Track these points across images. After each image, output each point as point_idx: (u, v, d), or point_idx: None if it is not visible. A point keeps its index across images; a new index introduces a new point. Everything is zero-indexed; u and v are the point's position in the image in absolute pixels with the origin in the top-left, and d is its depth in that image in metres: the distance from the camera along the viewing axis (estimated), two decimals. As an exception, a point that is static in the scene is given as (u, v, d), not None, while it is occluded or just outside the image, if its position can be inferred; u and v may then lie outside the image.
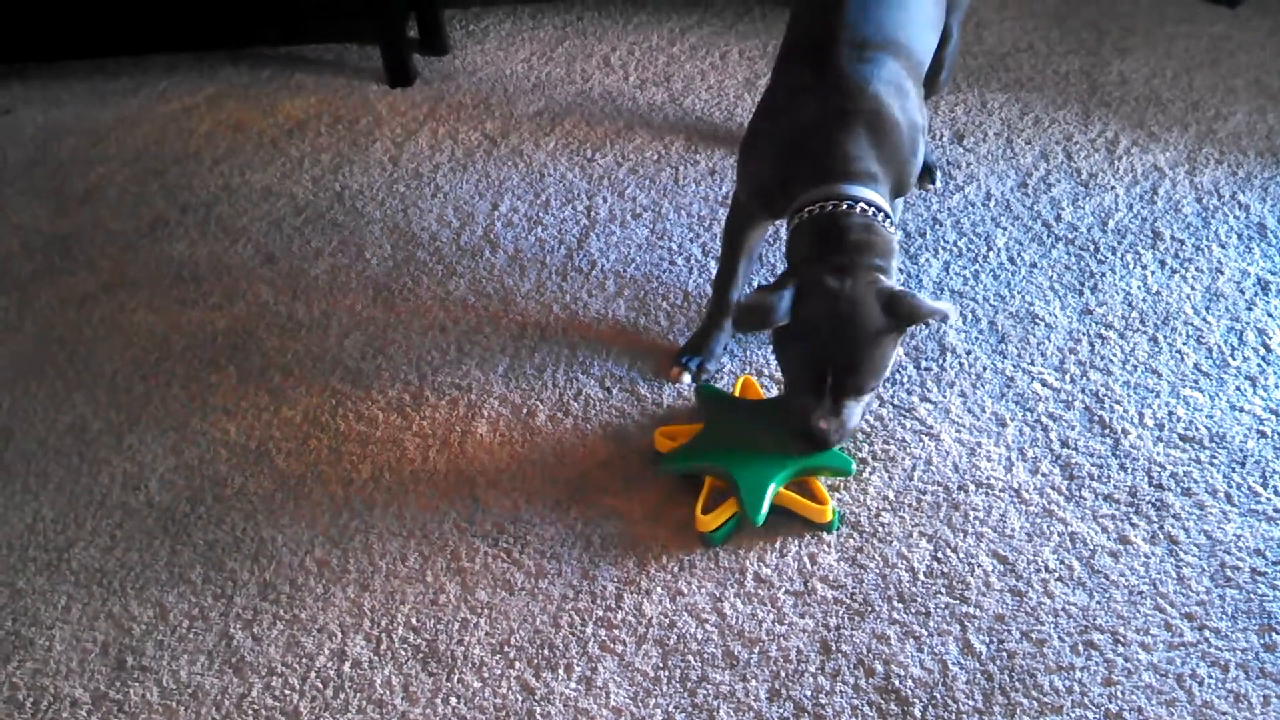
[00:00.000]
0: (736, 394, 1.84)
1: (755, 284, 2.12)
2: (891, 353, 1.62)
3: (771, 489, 1.66)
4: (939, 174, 2.31)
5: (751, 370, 1.95)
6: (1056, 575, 1.62)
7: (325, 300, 2.17)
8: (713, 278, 1.99)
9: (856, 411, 1.66)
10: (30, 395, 2.04)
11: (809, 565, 1.66)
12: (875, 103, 1.66)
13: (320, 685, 1.57)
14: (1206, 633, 1.54)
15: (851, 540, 1.68)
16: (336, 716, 1.53)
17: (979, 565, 1.64)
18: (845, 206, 1.62)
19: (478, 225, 2.32)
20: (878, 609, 1.60)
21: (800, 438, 1.67)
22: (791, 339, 1.62)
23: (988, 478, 1.75)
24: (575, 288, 2.15)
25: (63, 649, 1.64)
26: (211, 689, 1.58)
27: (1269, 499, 1.69)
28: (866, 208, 1.62)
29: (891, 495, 1.74)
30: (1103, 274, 2.07)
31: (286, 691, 1.56)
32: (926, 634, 1.56)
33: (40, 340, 2.15)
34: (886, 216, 1.65)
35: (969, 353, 1.94)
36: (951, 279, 2.08)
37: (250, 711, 1.55)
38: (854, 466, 1.72)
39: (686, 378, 1.94)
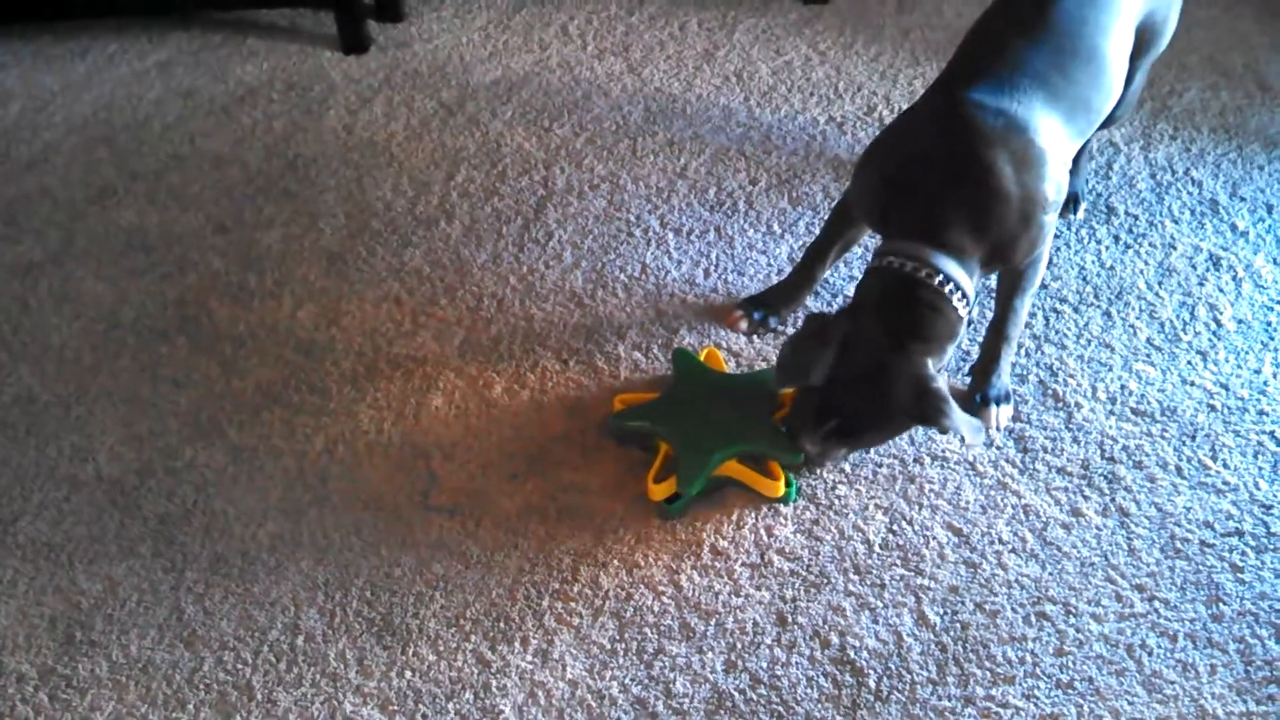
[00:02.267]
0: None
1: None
2: (900, 430, 1.61)
3: (711, 462, 1.66)
4: (1083, 205, 2.16)
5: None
6: (1010, 547, 1.63)
7: (278, 270, 2.14)
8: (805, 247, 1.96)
9: (842, 452, 1.68)
10: (-26, 366, 2.00)
11: (765, 538, 1.66)
12: (988, 171, 1.54)
13: (273, 659, 1.55)
14: (1156, 603, 1.56)
15: (808, 513, 1.69)
16: (290, 690, 1.52)
17: (934, 537, 1.65)
18: (923, 275, 1.54)
19: (433, 195, 2.30)
20: (833, 581, 1.60)
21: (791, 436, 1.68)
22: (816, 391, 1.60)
23: (943, 450, 1.76)
24: (532, 259, 2.13)
25: (9, 623, 1.62)
26: (162, 663, 1.56)
27: (1218, 472, 1.71)
28: (945, 281, 1.55)
29: (848, 468, 1.74)
30: (1058, 249, 2.08)
31: (239, 665, 1.55)
32: (882, 605, 1.57)
33: (-15, 310, 2.11)
34: (964, 296, 1.56)
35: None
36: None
37: (202, 686, 1.53)
38: (803, 457, 1.71)
39: (744, 324, 1.95)
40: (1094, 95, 1.68)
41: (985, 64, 1.64)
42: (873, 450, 1.76)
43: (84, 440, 1.86)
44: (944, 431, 1.49)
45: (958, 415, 1.50)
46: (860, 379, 1.54)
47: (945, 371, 1.61)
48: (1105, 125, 2.02)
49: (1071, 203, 2.14)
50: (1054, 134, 1.61)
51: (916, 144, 1.62)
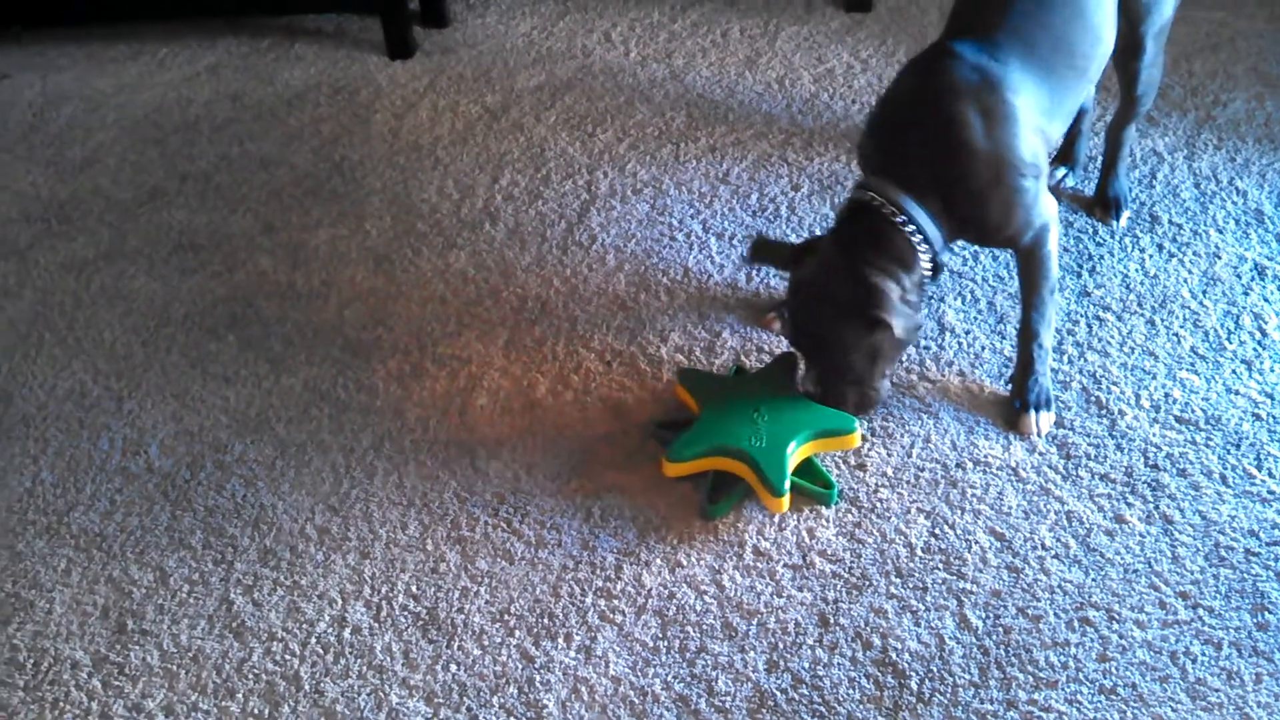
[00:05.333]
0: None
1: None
2: (861, 343, 1.65)
3: (790, 450, 1.66)
4: (1126, 212, 2.15)
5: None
6: (1053, 553, 1.63)
7: (325, 270, 2.17)
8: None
9: (850, 392, 1.71)
10: (29, 361, 2.04)
11: (807, 539, 1.67)
12: (953, 123, 1.61)
13: (321, 651, 1.57)
14: (1200, 611, 1.55)
15: (850, 515, 1.70)
16: (337, 682, 1.54)
17: (976, 542, 1.65)
18: (878, 204, 1.64)
19: (478, 198, 2.32)
20: (875, 583, 1.61)
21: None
22: (786, 310, 1.74)
23: (985, 455, 1.76)
24: (575, 262, 2.15)
25: (63, 612, 1.65)
26: (212, 653, 1.58)
27: (1263, 481, 1.70)
28: (899, 214, 1.63)
29: (890, 471, 1.75)
30: (1101, 256, 2.08)
31: (287, 656, 1.57)
32: (923, 608, 1.58)
33: (39, 306, 2.15)
34: (921, 234, 1.64)
35: (968, 332, 1.95)
36: (951, 259, 2.09)
37: (250, 676, 1.55)
38: (856, 428, 1.70)
39: (777, 325, 1.99)
40: (1078, 40, 1.73)
41: (968, 21, 1.72)
42: (914, 454, 1.76)
43: (135, 434, 1.89)
44: (884, 326, 1.61)
45: (899, 309, 1.61)
46: (812, 284, 1.67)
47: (908, 295, 1.67)
48: (1135, 110, 2.06)
49: (1115, 207, 2.14)
50: (1031, 93, 1.66)
51: (899, 96, 1.71)
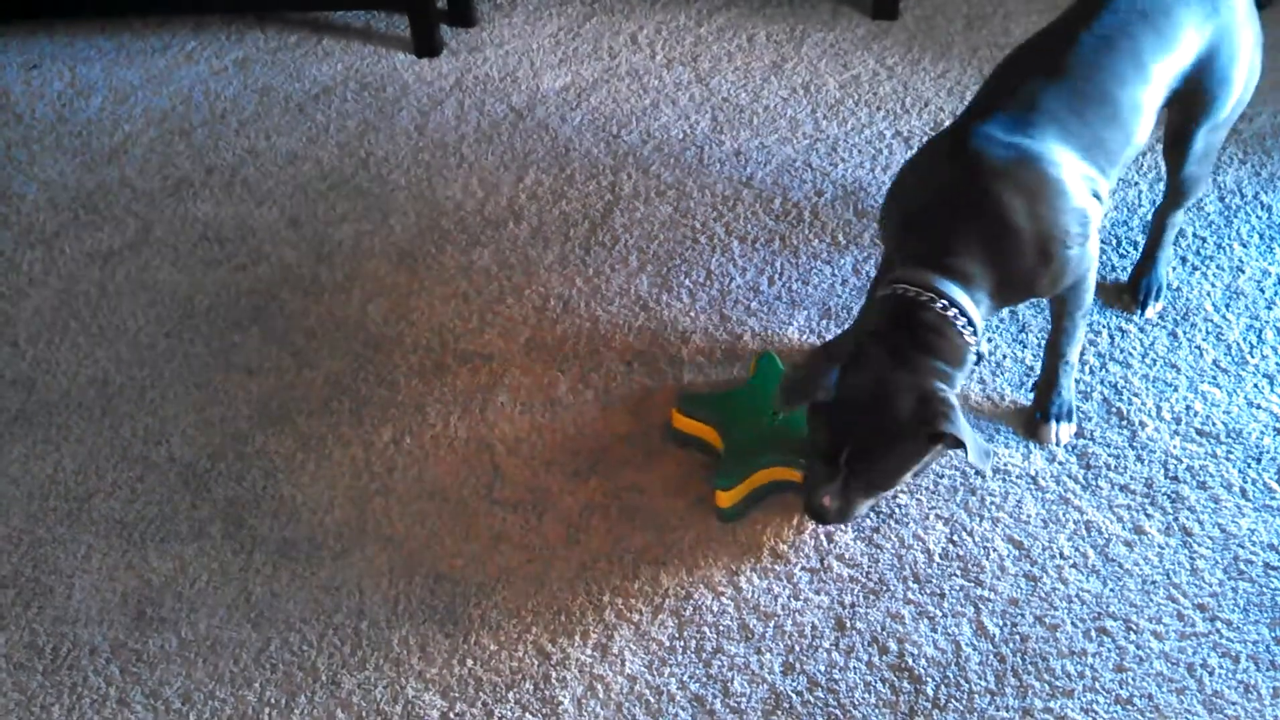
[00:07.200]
0: (751, 372, 1.86)
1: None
2: (915, 456, 1.52)
3: (750, 466, 1.68)
4: (1153, 302, 2.00)
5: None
6: (1071, 562, 1.63)
7: (349, 265, 2.18)
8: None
9: (864, 504, 1.58)
10: (53, 348, 2.05)
11: (825, 543, 1.67)
12: (996, 203, 1.53)
13: (338, 642, 1.58)
14: (1218, 624, 1.55)
15: (868, 520, 1.70)
16: (353, 673, 1.54)
17: (994, 549, 1.65)
18: (925, 299, 1.52)
19: (502, 196, 2.33)
20: (893, 588, 1.61)
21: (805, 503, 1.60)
22: (819, 408, 1.54)
23: (1005, 464, 1.76)
24: (598, 262, 2.16)
25: (82, 597, 1.66)
26: (229, 642, 1.59)
27: (1284, 495, 1.70)
28: (949, 307, 1.53)
29: (908, 478, 1.74)
30: (1124, 268, 2.08)
31: (304, 647, 1.58)
32: (941, 615, 1.58)
33: (64, 295, 2.16)
34: (970, 324, 1.54)
35: (989, 340, 1.95)
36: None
37: (268, 665, 1.56)
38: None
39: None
40: (1110, 137, 1.64)
41: (1002, 100, 1.63)
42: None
43: (157, 423, 1.90)
44: (951, 444, 1.46)
45: (966, 431, 1.46)
46: (864, 397, 1.49)
47: (958, 394, 1.56)
48: (1179, 200, 1.93)
49: (1144, 295, 2.01)
50: (1071, 166, 1.58)
51: (927, 176, 1.62)
